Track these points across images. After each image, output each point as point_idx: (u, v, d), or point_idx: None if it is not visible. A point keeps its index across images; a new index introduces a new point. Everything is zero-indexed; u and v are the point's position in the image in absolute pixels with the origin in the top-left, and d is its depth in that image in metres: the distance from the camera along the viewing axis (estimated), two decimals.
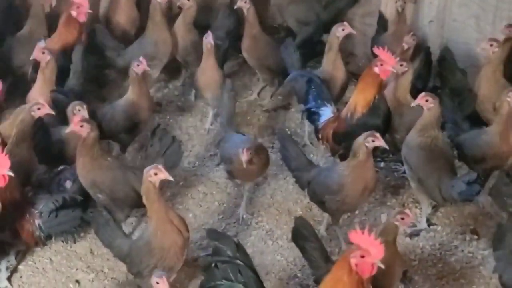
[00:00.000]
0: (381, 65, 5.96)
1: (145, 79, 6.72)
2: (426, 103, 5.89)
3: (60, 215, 5.43)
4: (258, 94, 7.97)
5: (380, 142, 5.49)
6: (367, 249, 4.19)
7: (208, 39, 7.02)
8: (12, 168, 5.34)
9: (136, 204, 5.60)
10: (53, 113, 5.97)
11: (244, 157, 5.69)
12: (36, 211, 5.44)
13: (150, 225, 5.12)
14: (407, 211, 5.00)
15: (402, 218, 4.92)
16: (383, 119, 6.12)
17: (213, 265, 4.56)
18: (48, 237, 5.52)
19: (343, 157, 6.07)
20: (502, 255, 5.26)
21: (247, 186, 6.29)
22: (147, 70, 6.65)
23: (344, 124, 6.19)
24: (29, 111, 5.89)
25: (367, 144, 5.49)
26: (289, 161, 6.09)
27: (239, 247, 4.60)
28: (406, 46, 6.95)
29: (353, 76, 8.22)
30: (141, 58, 6.55)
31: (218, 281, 4.49)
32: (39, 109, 5.89)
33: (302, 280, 5.63)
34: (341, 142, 6.21)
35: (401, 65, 6.42)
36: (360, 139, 5.52)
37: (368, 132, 5.53)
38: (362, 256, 4.18)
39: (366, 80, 6.09)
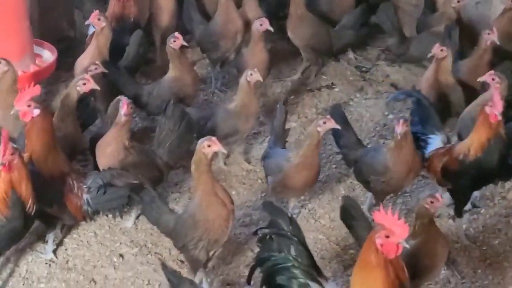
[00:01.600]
0: (491, 106, 5.56)
1: (184, 54, 6.75)
2: (493, 81, 5.92)
3: (108, 192, 5.43)
4: (302, 73, 7.96)
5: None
6: (391, 229, 4.16)
7: (264, 26, 6.92)
8: (58, 142, 5.46)
9: (159, 181, 5.84)
10: (98, 88, 6.01)
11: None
12: (85, 186, 5.46)
13: (196, 197, 5.13)
14: (437, 194, 4.94)
15: (432, 202, 4.86)
16: (498, 161, 5.71)
17: (268, 237, 4.55)
18: (96, 212, 5.53)
19: (452, 193, 5.88)
20: None
21: (291, 204, 6.03)
22: (185, 45, 6.67)
23: (456, 163, 5.77)
24: (74, 85, 5.95)
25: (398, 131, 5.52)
26: (338, 138, 6.06)
27: (292, 222, 4.60)
28: (487, 42, 6.70)
29: (398, 57, 8.21)
30: (176, 34, 6.58)
31: (272, 253, 4.50)
32: (84, 84, 5.93)
33: (345, 260, 5.62)
34: (451, 180, 5.87)
35: (441, 50, 6.40)
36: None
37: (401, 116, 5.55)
38: (387, 236, 4.15)
39: (480, 121, 5.64)
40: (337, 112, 6.10)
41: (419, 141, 5.94)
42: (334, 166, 6.65)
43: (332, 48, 7.75)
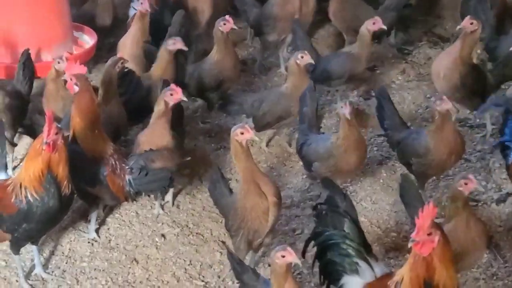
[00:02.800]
0: None
1: (230, 38, 6.73)
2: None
3: (150, 174, 5.43)
4: None
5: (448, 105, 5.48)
6: (421, 227, 4.10)
7: None
8: (101, 123, 5.52)
9: None
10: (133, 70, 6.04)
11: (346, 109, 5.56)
12: (127, 167, 5.47)
13: (239, 184, 5.15)
14: (470, 176, 4.86)
15: (466, 184, 4.78)
16: None
17: (324, 212, 4.59)
18: (138, 193, 5.55)
19: None
20: None
21: None
22: (234, 29, 6.66)
23: None
24: (112, 66, 5.95)
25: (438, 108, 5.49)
26: (383, 120, 6.04)
27: (346, 199, 4.64)
28: None
29: (440, 39, 8.15)
30: (227, 17, 6.57)
31: (327, 228, 4.55)
32: (122, 63, 5.96)
33: (386, 243, 5.60)
34: None
35: (471, 24, 6.28)
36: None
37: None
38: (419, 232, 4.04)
39: None
40: (383, 95, 6.10)
41: (506, 149, 5.76)
42: (375, 148, 6.63)
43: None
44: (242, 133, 4.92)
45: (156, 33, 6.92)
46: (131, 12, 7.73)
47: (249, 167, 5.00)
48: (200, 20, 7.70)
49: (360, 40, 6.80)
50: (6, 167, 5.35)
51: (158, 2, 7.59)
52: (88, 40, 7.39)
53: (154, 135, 5.68)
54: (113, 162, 5.47)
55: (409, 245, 3.99)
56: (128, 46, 6.64)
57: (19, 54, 6.38)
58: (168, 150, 5.61)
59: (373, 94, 6.93)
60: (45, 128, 4.84)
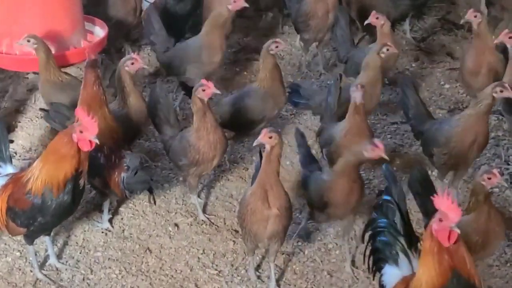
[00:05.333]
0: None
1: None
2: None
3: (137, 175, 5.44)
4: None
5: (509, 93, 5.41)
6: (445, 213, 4.10)
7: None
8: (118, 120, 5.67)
9: None
10: (146, 66, 6.05)
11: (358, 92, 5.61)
12: (125, 165, 5.47)
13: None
14: (494, 170, 4.82)
15: (489, 178, 4.75)
16: None
17: (380, 202, 4.62)
18: (131, 191, 5.55)
19: None
20: None
21: None
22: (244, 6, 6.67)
23: None
24: (122, 66, 5.91)
25: (494, 94, 5.42)
26: (408, 110, 6.04)
27: (400, 191, 4.64)
28: None
29: (454, 26, 8.13)
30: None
31: (381, 217, 4.57)
32: (132, 64, 5.88)
33: None
34: None
35: (475, 16, 6.37)
36: (488, 89, 5.46)
37: (497, 83, 5.50)
38: (441, 220, 4.08)
39: None
40: (407, 84, 6.09)
41: None
42: (389, 136, 6.63)
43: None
44: (270, 137, 4.81)
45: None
46: (145, 5, 7.75)
47: (269, 171, 4.88)
48: None
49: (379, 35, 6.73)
50: (11, 160, 5.35)
51: None
52: (100, 32, 7.35)
53: (204, 133, 5.61)
54: (113, 158, 5.50)
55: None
56: None
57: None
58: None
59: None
60: (88, 126, 4.83)
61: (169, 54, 6.94)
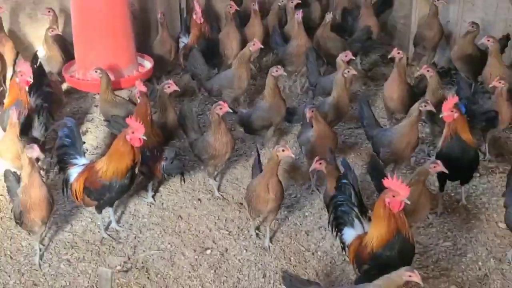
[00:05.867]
0: None
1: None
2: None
3: (173, 163, 5.47)
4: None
5: (431, 107, 5.35)
6: (397, 190, 4.08)
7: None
8: (159, 127, 5.66)
9: None
10: (178, 89, 5.94)
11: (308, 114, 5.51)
12: (164, 156, 5.49)
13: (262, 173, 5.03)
14: (438, 161, 4.72)
15: (435, 167, 4.72)
16: None
17: (340, 184, 4.59)
18: (168, 175, 5.61)
19: None
20: None
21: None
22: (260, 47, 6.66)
23: None
24: (162, 88, 5.88)
25: (421, 108, 5.35)
26: (363, 119, 5.92)
27: (353, 174, 4.61)
28: None
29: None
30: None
31: (340, 194, 4.55)
32: (168, 87, 5.85)
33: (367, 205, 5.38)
34: None
35: (398, 53, 6.20)
36: (416, 105, 5.39)
37: (422, 99, 5.45)
38: (393, 196, 4.08)
39: None
40: (364, 101, 5.97)
41: None
42: (346, 137, 6.60)
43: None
44: (283, 151, 4.73)
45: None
46: (181, 45, 7.69)
47: (270, 171, 4.83)
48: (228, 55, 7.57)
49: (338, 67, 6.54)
50: (84, 154, 5.33)
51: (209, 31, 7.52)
52: (148, 64, 7.32)
53: (219, 136, 5.54)
54: (156, 152, 5.49)
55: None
56: None
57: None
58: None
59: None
60: (137, 128, 4.82)
61: (210, 82, 6.83)
